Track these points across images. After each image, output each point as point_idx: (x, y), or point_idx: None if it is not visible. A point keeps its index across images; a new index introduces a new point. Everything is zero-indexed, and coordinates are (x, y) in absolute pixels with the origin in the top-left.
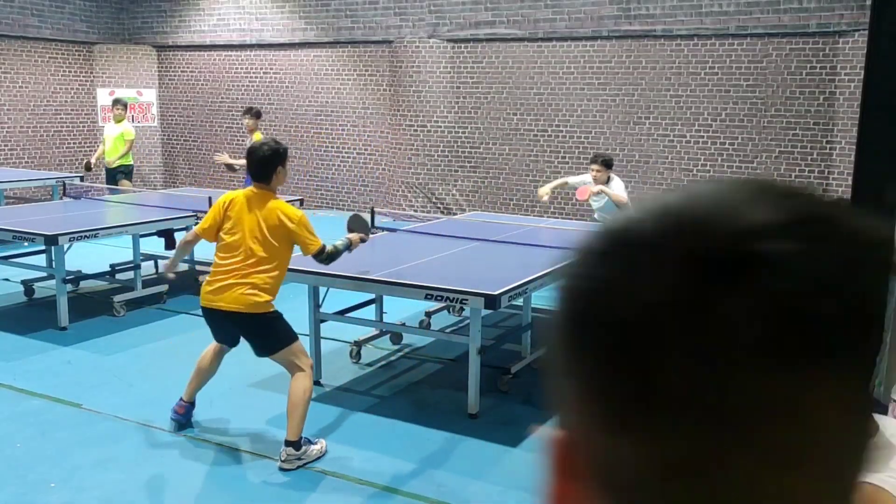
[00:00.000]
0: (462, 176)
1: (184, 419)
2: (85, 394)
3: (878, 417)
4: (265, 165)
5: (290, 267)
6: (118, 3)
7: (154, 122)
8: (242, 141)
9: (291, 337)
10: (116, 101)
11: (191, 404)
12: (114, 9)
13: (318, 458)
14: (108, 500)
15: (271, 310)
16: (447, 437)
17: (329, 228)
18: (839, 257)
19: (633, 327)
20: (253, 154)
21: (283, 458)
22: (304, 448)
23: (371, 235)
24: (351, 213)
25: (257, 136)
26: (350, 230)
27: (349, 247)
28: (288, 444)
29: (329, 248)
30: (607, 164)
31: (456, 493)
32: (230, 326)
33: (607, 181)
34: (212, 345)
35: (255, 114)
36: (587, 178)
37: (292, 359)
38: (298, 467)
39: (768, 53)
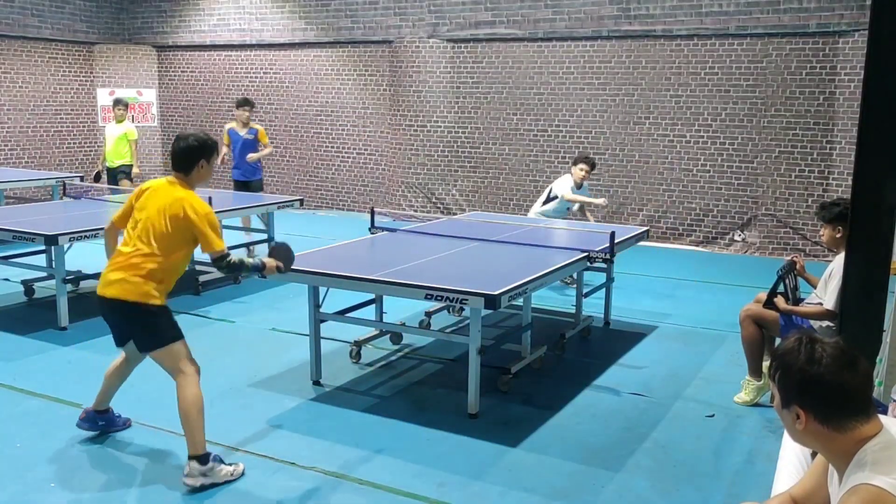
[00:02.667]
0: (462, 176)
1: (85, 425)
2: (85, 394)
3: (882, 418)
4: (188, 156)
5: (290, 267)
6: (118, 3)
7: (154, 122)
8: None
9: (174, 336)
10: (117, 102)
11: (97, 412)
12: (114, 9)
13: (231, 480)
14: (108, 500)
15: (156, 302)
16: (447, 437)
17: (329, 228)
18: None
19: None
20: (177, 142)
21: (185, 473)
22: (211, 464)
23: (292, 268)
24: (279, 244)
25: (262, 130)
26: (270, 255)
27: (260, 269)
28: (191, 458)
29: (234, 258)
30: (593, 165)
31: (456, 493)
32: (117, 319)
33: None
34: (120, 354)
35: (253, 104)
36: (567, 180)
37: (173, 362)
38: (205, 486)
39: (768, 53)
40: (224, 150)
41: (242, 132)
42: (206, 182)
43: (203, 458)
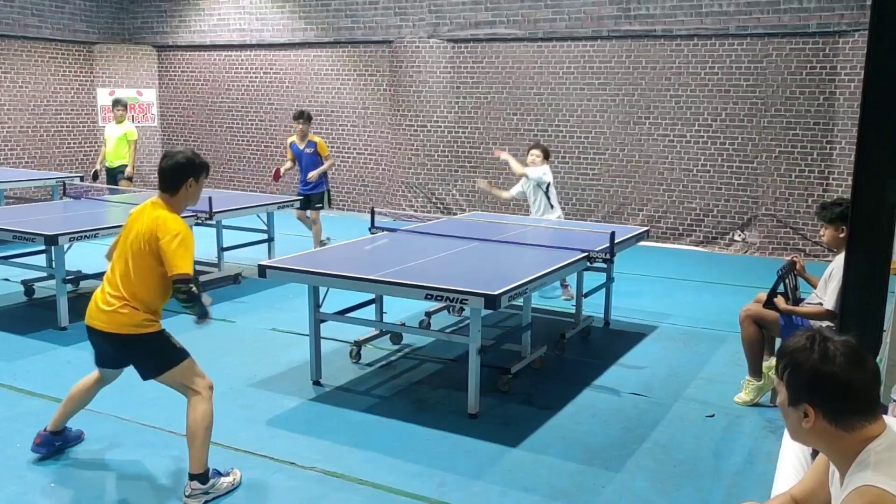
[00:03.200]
0: (462, 176)
1: (42, 450)
2: None
3: (885, 418)
4: (175, 174)
5: (290, 267)
6: (118, 3)
7: (154, 122)
8: (242, 141)
9: (180, 356)
10: (117, 102)
11: (53, 434)
12: (114, 9)
13: (231, 490)
14: (108, 500)
15: (150, 330)
16: (447, 437)
17: (329, 228)
18: None
19: None
20: (165, 160)
21: (187, 494)
22: (212, 481)
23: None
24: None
25: (321, 142)
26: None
27: (204, 307)
28: (192, 477)
29: (195, 289)
30: (545, 153)
31: (456, 493)
32: (107, 348)
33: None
34: (93, 373)
35: (310, 117)
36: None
37: (183, 381)
38: (206, 503)
39: (768, 53)
40: (288, 164)
41: (302, 145)
42: (194, 203)
43: (203, 478)
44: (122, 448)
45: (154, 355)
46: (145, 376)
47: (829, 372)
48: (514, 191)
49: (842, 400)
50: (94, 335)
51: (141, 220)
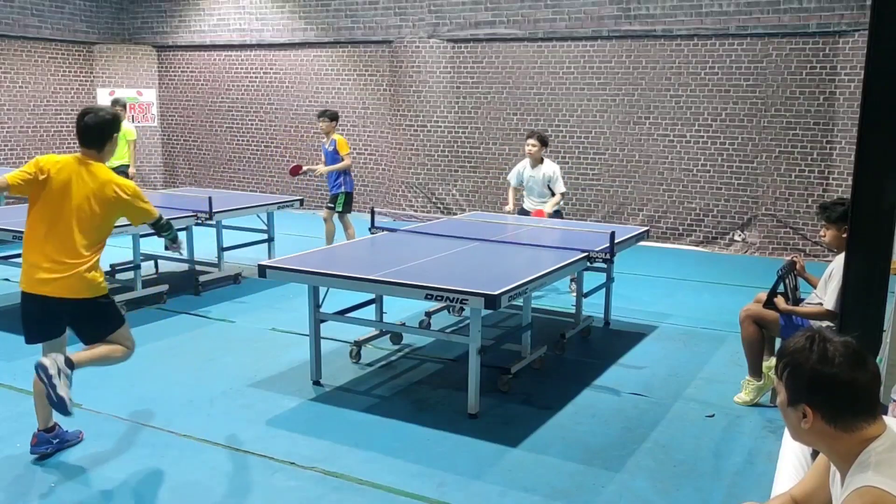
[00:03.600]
0: (462, 176)
1: (41, 449)
2: (84, 394)
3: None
4: (102, 131)
5: (290, 267)
6: (118, 3)
7: (154, 122)
8: (242, 141)
9: (122, 315)
10: (115, 103)
11: (46, 431)
12: (114, 9)
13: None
14: (108, 499)
15: (106, 290)
16: (447, 437)
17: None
18: None
19: None
20: (87, 117)
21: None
22: (68, 376)
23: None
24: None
25: (340, 141)
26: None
27: (175, 237)
28: (69, 363)
29: (165, 219)
30: (543, 140)
31: (456, 493)
32: (58, 315)
33: (542, 160)
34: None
35: (332, 116)
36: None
37: (126, 339)
38: (54, 385)
39: (768, 53)
40: (320, 166)
41: (326, 144)
42: (109, 158)
43: (71, 364)
44: (122, 448)
45: (111, 314)
46: (98, 337)
47: (829, 373)
48: (514, 181)
49: (841, 401)
50: (42, 304)
51: (81, 182)
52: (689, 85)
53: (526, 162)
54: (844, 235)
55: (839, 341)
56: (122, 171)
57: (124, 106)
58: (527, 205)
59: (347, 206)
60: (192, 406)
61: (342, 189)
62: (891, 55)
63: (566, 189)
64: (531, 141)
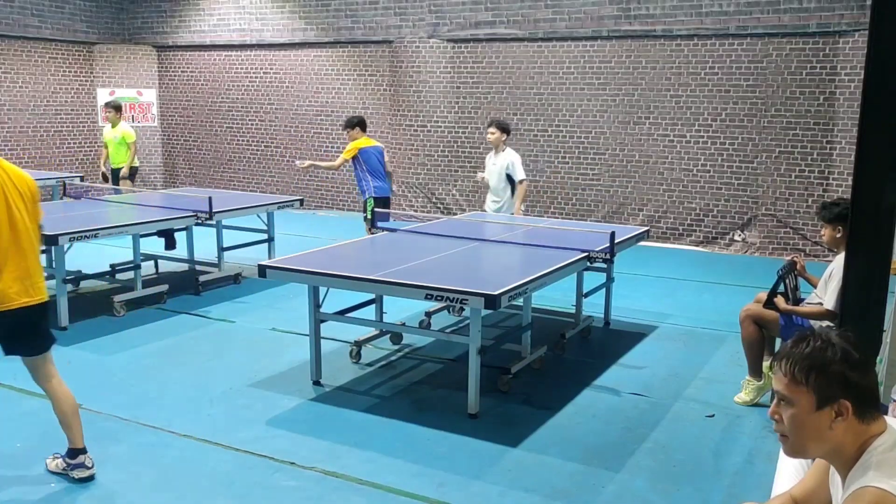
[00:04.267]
0: (462, 176)
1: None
2: (84, 394)
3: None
4: None
5: (290, 267)
6: (118, 3)
7: (154, 122)
8: (242, 141)
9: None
10: (107, 105)
11: (76, 450)
12: (114, 9)
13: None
14: (108, 500)
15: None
16: (447, 437)
17: (329, 228)
18: None
19: None
20: None
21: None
22: (80, 458)
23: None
24: None
25: (365, 141)
26: None
27: None
28: (75, 452)
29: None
30: (503, 128)
31: (456, 493)
32: (24, 326)
33: (504, 148)
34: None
35: (344, 124)
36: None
37: (48, 363)
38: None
39: (768, 53)
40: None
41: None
42: None
43: (73, 453)
44: (122, 448)
45: (47, 328)
46: (40, 350)
47: (858, 364)
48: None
49: (867, 392)
50: (15, 317)
51: (7, 182)
52: (689, 85)
53: (492, 152)
54: (839, 235)
55: (844, 336)
56: (122, 172)
57: (117, 108)
58: (488, 204)
59: (371, 214)
60: (192, 406)
61: (369, 195)
62: (891, 55)
63: (525, 176)
64: (490, 129)
